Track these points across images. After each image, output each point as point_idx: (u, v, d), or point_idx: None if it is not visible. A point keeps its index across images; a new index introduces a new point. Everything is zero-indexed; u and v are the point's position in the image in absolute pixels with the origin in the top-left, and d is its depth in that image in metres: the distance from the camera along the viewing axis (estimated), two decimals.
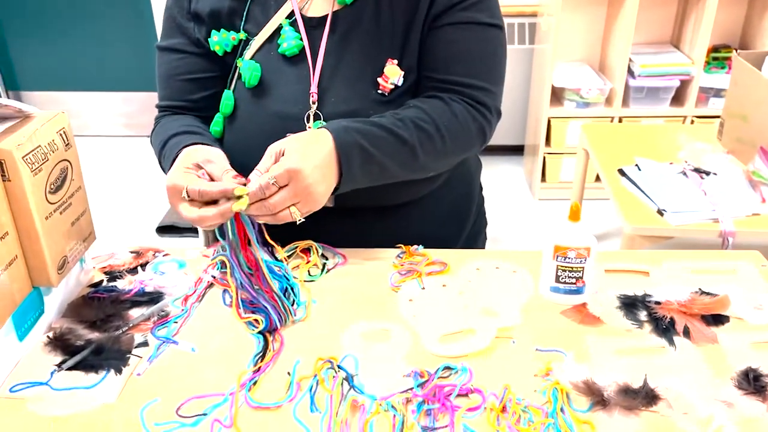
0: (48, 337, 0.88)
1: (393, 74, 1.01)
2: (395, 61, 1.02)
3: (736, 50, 1.99)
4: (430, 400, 0.78)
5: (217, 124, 1.09)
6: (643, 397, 0.78)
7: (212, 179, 0.92)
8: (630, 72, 2.81)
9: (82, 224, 0.94)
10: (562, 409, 0.77)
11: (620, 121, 2.86)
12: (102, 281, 1.02)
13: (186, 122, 1.07)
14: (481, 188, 1.30)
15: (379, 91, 1.02)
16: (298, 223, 0.90)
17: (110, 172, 3.36)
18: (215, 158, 0.94)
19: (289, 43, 1.02)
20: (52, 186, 0.86)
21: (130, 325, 0.92)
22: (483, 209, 1.31)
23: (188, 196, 0.89)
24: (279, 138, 0.92)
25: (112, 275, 1.03)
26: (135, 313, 0.94)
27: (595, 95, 2.83)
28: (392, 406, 0.78)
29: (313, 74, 1.02)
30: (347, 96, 1.02)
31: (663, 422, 0.75)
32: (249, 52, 1.05)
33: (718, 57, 2.85)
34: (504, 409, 0.77)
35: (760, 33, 2.79)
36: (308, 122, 1.02)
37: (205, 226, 0.90)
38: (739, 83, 1.96)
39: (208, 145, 0.99)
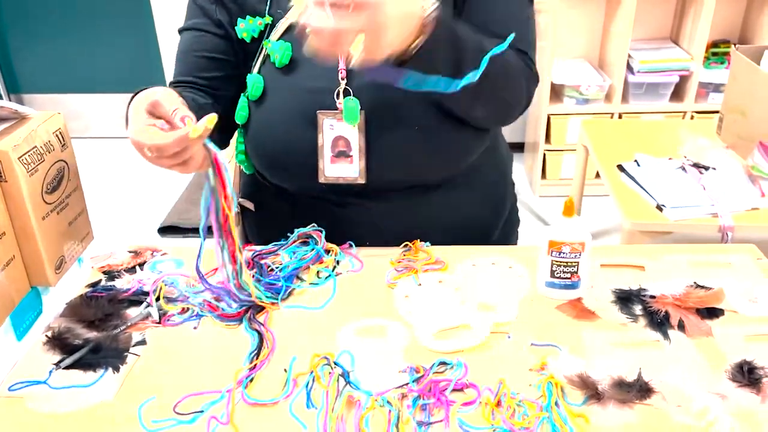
0: (46, 336, 0.89)
1: None
2: None
3: (735, 45, 1.98)
4: (425, 395, 0.79)
5: (243, 109, 1.09)
6: (638, 390, 0.78)
7: (170, 123, 0.86)
8: (629, 68, 2.81)
9: (79, 224, 0.95)
10: (556, 403, 0.77)
11: (620, 117, 2.86)
12: (100, 281, 1.03)
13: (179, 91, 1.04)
14: (513, 183, 1.30)
15: None
16: (351, 65, 0.79)
17: (113, 173, 3.37)
18: (162, 98, 0.87)
19: None
20: (49, 186, 0.87)
21: (128, 324, 0.92)
22: (516, 206, 1.31)
23: (150, 153, 0.83)
24: (310, 113, 0.90)
25: (111, 275, 1.03)
26: (133, 312, 0.95)
27: (594, 92, 2.83)
28: (388, 402, 0.78)
29: None
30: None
31: (657, 415, 0.76)
32: (275, 35, 1.05)
33: (717, 52, 2.85)
34: (499, 404, 0.78)
35: (759, 28, 2.78)
36: (338, 98, 1.03)
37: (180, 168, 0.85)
38: (738, 78, 1.96)
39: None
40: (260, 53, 1.07)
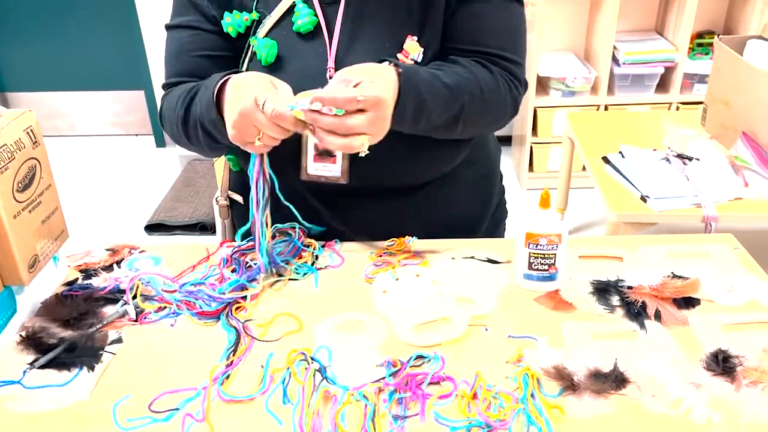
0: (20, 335, 0.88)
1: (413, 50, 1.01)
2: (415, 38, 1.02)
3: (719, 36, 1.99)
4: (401, 389, 0.79)
5: None
6: (613, 380, 0.78)
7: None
8: (615, 60, 2.81)
9: (53, 222, 0.94)
10: (532, 395, 0.77)
11: (606, 109, 2.86)
12: (77, 279, 1.02)
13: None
14: (501, 176, 1.30)
15: None
16: (362, 155, 0.88)
17: (99, 171, 3.35)
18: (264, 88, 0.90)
19: (303, 20, 1.02)
20: (20, 184, 0.86)
21: (104, 322, 0.92)
22: (504, 198, 1.31)
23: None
24: None
25: (88, 273, 1.03)
26: (109, 310, 0.94)
27: (580, 84, 2.83)
28: (364, 396, 0.78)
29: (330, 50, 1.02)
30: None
31: (632, 405, 0.76)
32: (262, 31, 1.04)
33: (702, 43, 2.85)
34: (475, 396, 0.78)
35: (743, 18, 2.79)
36: None
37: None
38: (721, 69, 1.96)
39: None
40: (247, 50, 1.06)
